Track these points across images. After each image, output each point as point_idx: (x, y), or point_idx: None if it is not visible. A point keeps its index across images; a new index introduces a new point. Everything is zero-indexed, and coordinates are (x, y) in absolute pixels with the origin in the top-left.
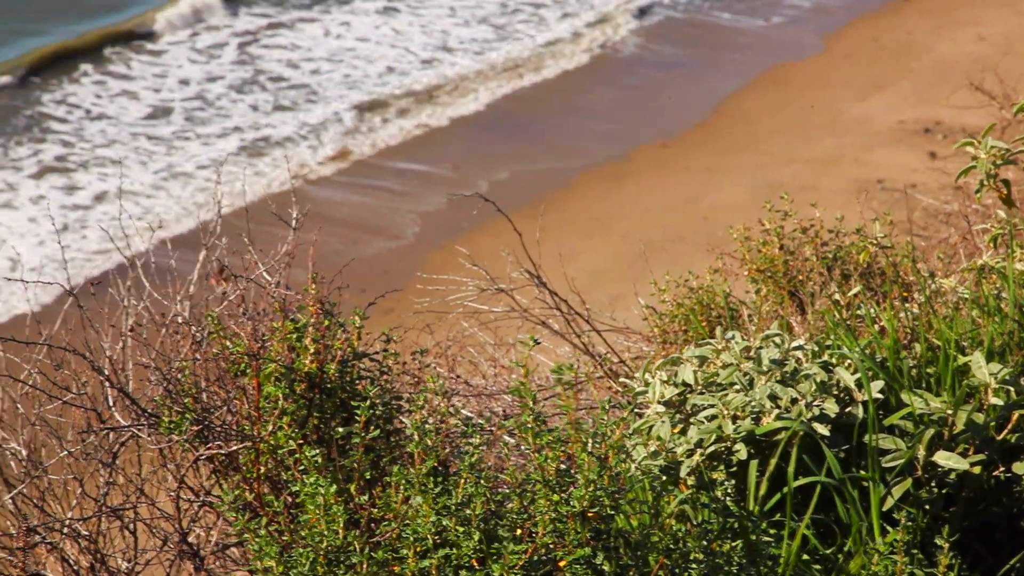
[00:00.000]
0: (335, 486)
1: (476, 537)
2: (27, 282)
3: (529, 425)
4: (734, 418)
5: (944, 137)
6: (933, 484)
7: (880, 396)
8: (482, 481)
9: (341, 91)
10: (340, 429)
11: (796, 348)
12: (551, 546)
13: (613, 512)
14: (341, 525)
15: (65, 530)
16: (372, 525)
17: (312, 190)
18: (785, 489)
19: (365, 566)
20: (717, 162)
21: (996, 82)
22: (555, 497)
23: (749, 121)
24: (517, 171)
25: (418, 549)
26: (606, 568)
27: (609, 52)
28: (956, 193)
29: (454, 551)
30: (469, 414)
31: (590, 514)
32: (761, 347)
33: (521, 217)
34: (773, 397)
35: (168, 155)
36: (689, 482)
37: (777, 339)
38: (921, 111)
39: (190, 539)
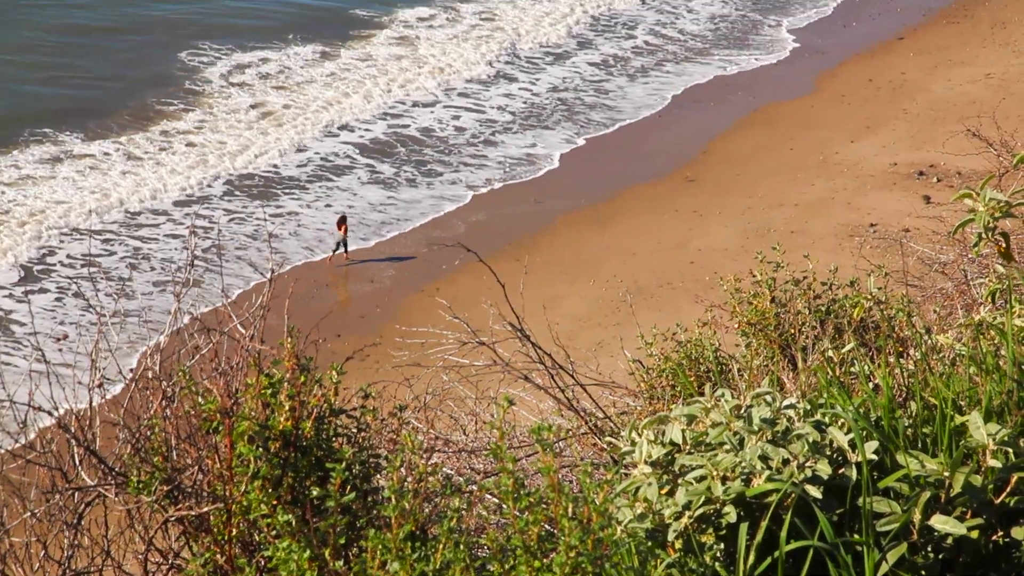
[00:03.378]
0: (309, 551)
1: None
2: None
3: (508, 489)
4: (723, 479)
5: (938, 181)
6: (929, 549)
7: (874, 457)
8: (461, 546)
9: None
10: (315, 490)
11: (788, 407)
12: None
13: None
14: None
15: None
16: None
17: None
18: (776, 553)
19: None
20: (705, 204)
21: (992, 126)
22: (536, 563)
23: (738, 162)
24: (496, 213)
25: None
26: None
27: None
28: (951, 240)
29: None
30: (449, 471)
31: None
32: (752, 405)
33: (503, 259)
34: (764, 458)
35: None
36: (677, 546)
37: (768, 397)
38: (915, 154)
39: None
